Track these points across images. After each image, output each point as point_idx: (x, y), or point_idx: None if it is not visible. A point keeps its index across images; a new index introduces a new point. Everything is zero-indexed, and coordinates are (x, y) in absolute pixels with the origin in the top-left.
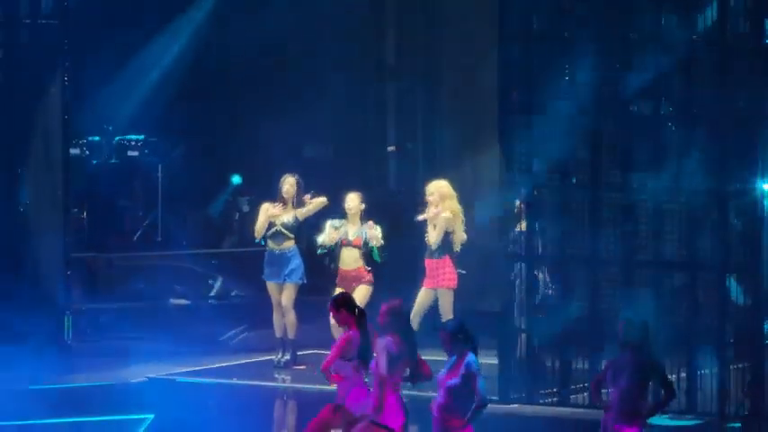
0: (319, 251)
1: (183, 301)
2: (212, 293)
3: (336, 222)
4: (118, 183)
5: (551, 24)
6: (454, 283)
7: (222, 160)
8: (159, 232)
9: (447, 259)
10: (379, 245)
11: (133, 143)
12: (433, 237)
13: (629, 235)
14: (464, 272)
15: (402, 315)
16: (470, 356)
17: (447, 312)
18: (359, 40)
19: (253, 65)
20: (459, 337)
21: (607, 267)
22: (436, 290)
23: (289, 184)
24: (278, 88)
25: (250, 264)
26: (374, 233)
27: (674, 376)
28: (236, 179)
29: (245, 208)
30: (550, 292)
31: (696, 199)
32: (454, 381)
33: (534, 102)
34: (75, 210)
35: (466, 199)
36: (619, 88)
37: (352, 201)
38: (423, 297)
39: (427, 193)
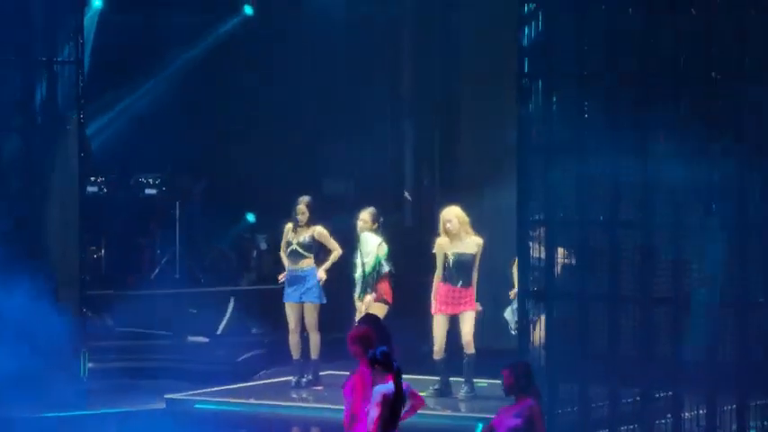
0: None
1: (201, 339)
2: (219, 330)
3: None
4: (135, 220)
5: (571, 61)
6: (476, 306)
7: (240, 198)
8: (177, 269)
9: (472, 290)
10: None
11: (150, 181)
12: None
13: (648, 272)
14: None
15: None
16: (385, 385)
17: (471, 334)
18: (376, 76)
19: (270, 102)
20: (377, 365)
21: (626, 305)
22: (458, 315)
23: (300, 212)
24: (295, 125)
25: (268, 301)
26: (364, 245)
27: (693, 413)
28: (251, 217)
29: (263, 245)
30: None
31: (715, 234)
32: (370, 408)
33: (554, 138)
34: (93, 247)
35: (483, 235)
36: (636, 127)
37: (365, 221)
38: (442, 325)
39: (444, 219)
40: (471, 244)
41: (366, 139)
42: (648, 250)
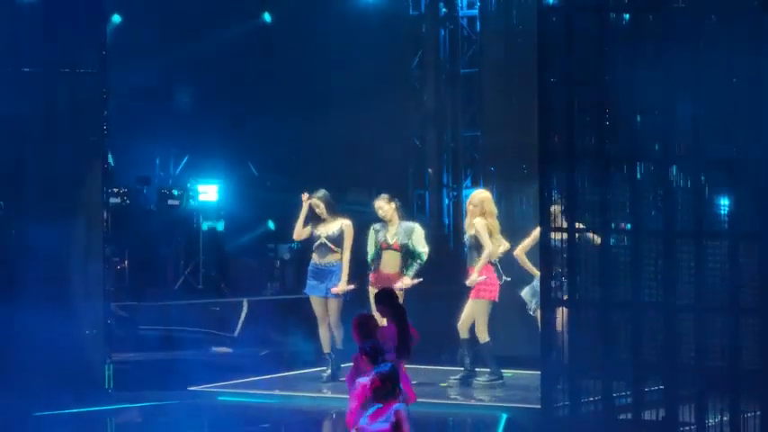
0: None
1: (225, 350)
2: (236, 333)
3: (377, 226)
4: (159, 231)
5: (591, 68)
6: (486, 295)
7: (262, 207)
8: (200, 280)
9: (483, 269)
10: (424, 249)
11: (173, 192)
12: (487, 247)
13: (671, 278)
14: (509, 279)
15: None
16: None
17: (479, 324)
18: (400, 86)
19: (296, 112)
20: (365, 356)
21: (648, 311)
22: (471, 300)
23: (315, 206)
24: (321, 134)
25: (292, 311)
26: (418, 238)
27: (717, 419)
28: (271, 224)
29: (286, 256)
30: None
31: (738, 241)
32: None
33: (575, 145)
34: (117, 258)
35: (508, 242)
36: (658, 130)
37: (381, 207)
38: (466, 307)
39: (469, 201)
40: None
41: (391, 148)
42: (671, 256)
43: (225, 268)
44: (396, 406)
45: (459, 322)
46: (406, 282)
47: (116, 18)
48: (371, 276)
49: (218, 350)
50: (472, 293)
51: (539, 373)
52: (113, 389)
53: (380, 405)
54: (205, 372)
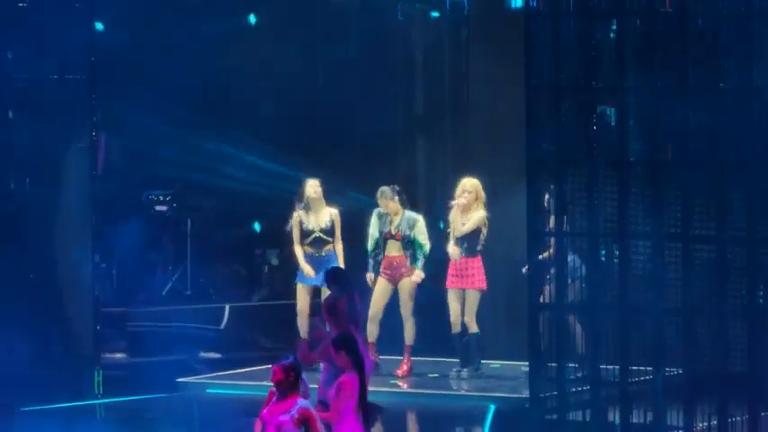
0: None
1: (213, 355)
2: (222, 326)
3: (381, 210)
4: (147, 237)
5: (578, 74)
6: (485, 285)
7: (254, 214)
8: (188, 286)
9: (478, 259)
10: (426, 242)
11: (161, 197)
12: (464, 229)
13: (658, 283)
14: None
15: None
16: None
17: (472, 314)
18: (388, 94)
19: (285, 112)
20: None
21: (636, 313)
22: (464, 290)
23: (312, 187)
24: (308, 142)
25: (280, 316)
26: (421, 229)
27: (705, 423)
28: (257, 226)
29: (274, 261)
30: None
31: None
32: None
33: (562, 152)
34: (104, 264)
35: (495, 247)
36: (646, 137)
37: (387, 206)
38: (453, 299)
39: (461, 189)
40: (474, 216)
41: (379, 156)
42: (659, 260)
43: (213, 274)
44: (301, 403)
45: (467, 317)
46: (420, 275)
47: (99, 25)
48: (383, 262)
49: (206, 355)
50: (472, 284)
51: (526, 363)
52: (102, 394)
53: (284, 396)
54: (193, 365)
